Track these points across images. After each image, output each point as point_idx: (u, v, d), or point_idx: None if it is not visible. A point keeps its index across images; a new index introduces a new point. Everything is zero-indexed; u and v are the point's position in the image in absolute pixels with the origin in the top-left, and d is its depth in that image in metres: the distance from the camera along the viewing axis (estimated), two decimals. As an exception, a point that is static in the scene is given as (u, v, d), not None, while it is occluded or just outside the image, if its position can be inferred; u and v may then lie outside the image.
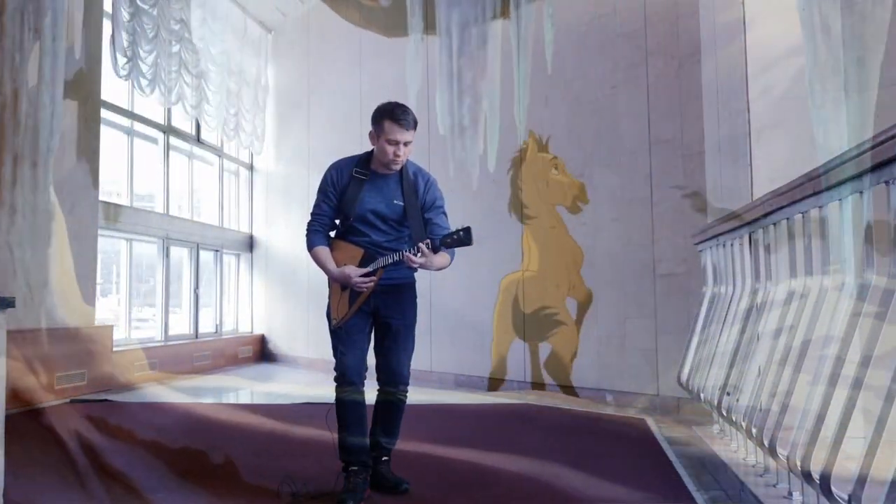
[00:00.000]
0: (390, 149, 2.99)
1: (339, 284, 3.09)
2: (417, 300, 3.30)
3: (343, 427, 3.07)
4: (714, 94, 4.89)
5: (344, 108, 8.85)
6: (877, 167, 1.75)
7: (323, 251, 3.10)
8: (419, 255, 2.87)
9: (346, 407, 3.07)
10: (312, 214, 3.17)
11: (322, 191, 3.16)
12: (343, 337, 3.08)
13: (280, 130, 10.19)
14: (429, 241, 2.91)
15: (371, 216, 3.08)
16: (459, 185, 6.80)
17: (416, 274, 3.29)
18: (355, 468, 3.02)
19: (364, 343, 3.14)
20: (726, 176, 4.61)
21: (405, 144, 3.01)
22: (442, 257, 3.00)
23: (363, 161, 3.15)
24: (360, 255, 3.05)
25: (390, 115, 2.98)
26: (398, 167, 3.08)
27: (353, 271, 2.99)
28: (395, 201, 3.10)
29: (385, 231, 3.11)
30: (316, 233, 3.14)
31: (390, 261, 2.98)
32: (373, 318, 3.15)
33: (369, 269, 3.00)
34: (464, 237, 2.87)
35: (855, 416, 1.84)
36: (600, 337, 5.98)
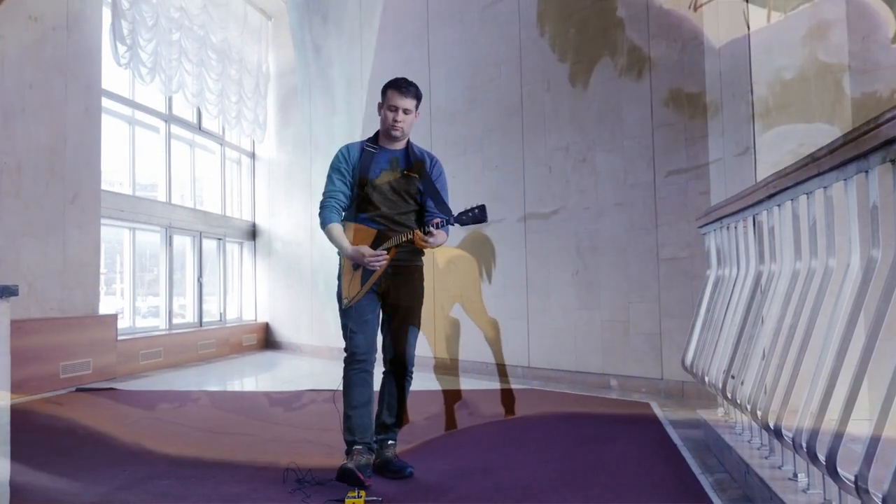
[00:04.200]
0: (390, 114, 3.16)
1: (350, 264, 3.13)
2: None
3: (350, 406, 3.10)
4: (717, 76, 4.85)
5: (345, 94, 8.81)
6: (882, 146, 1.73)
7: (337, 228, 3.15)
8: (433, 234, 2.95)
9: (354, 386, 3.10)
10: (325, 193, 3.21)
11: (334, 168, 3.23)
12: (354, 316, 3.12)
13: (281, 118, 10.16)
14: (439, 220, 2.96)
15: (383, 185, 3.16)
16: None
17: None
18: (359, 447, 3.04)
19: (374, 323, 3.19)
20: (730, 159, 4.58)
21: (404, 111, 3.16)
22: (442, 235, 3.07)
23: (372, 139, 3.29)
24: (374, 236, 3.11)
25: (393, 85, 3.19)
26: (398, 133, 3.19)
27: (367, 249, 3.05)
28: (405, 172, 3.20)
29: (395, 202, 3.17)
30: (330, 209, 3.18)
31: (403, 239, 3.03)
32: (382, 300, 3.19)
33: (383, 247, 3.05)
34: (479, 215, 2.95)
35: (860, 398, 1.84)
36: (604, 322, 5.97)
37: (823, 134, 4.20)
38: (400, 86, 3.16)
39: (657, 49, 5.72)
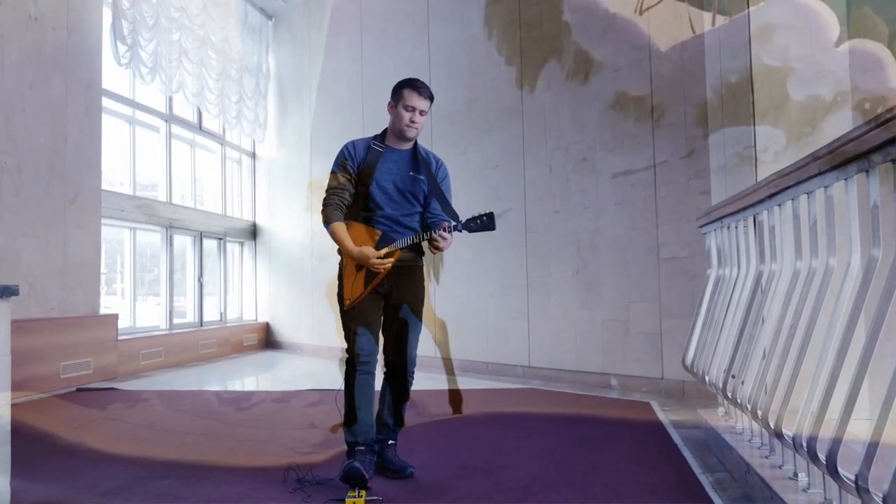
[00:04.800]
0: (407, 114, 3.10)
1: (353, 264, 3.09)
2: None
3: (352, 408, 3.08)
4: (718, 75, 4.85)
5: (345, 94, 8.81)
6: (883, 146, 1.73)
7: (341, 227, 3.09)
8: (441, 239, 2.92)
9: (357, 387, 3.08)
10: (329, 190, 3.15)
11: (339, 165, 3.16)
12: (357, 317, 3.09)
13: (282, 117, 10.16)
14: (447, 225, 2.93)
15: (388, 185, 3.12)
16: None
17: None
18: (362, 448, 3.03)
19: (377, 324, 3.16)
20: (731, 158, 4.58)
21: (420, 113, 3.12)
22: (450, 238, 3.02)
23: (378, 137, 3.24)
24: (378, 237, 3.08)
25: (410, 84, 3.13)
26: (412, 134, 3.15)
27: (372, 251, 3.00)
28: (411, 173, 3.16)
29: (399, 203, 3.14)
30: (334, 207, 3.11)
31: (409, 243, 3.01)
32: (384, 300, 3.17)
33: (388, 249, 3.01)
34: (487, 223, 2.92)
35: (861, 397, 1.83)
36: (604, 321, 5.97)
37: (768, 136, 4.24)
38: (417, 86, 3.11)
39: (603, 51, 5.99)
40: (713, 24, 4.84)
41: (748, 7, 4.30)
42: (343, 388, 3.12)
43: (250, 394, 6.38)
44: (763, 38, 4.26)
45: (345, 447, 3.12)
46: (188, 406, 5.39)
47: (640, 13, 5.47)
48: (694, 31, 5.07)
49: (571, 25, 6.30)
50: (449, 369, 6.43)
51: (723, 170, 4.72)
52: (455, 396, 5.23)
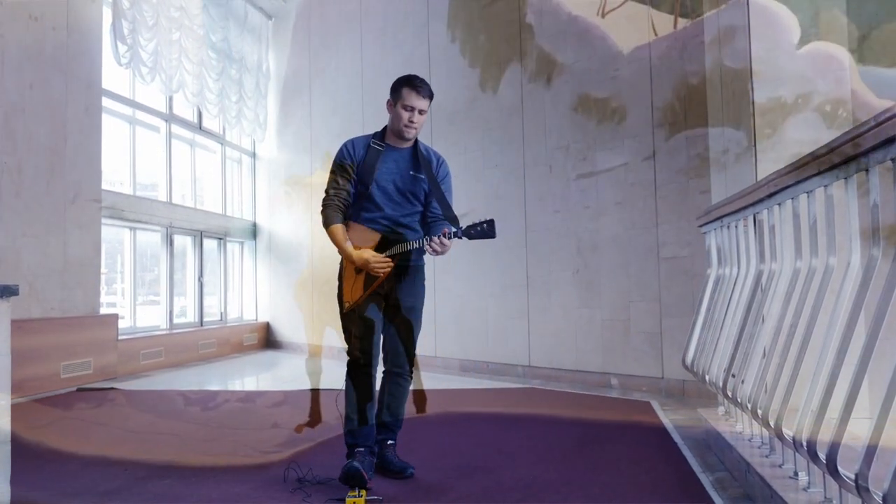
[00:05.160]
0: (406, 114, 3.04)
1: (353, 267, 3.07)
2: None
3: (352, 409, 3.07)
4: (718, 74, 4.85)
5: (345, 94, 8.81)
6: (883, 144, 1.72)
7: (341, 229, 3.07)
8: (441, 245, 2.90)
9: (358, 389, 3.07)
10: (328, 190, 3.12)
11: (338, 165, 3.12)
12: (356, 320, 3.07)
13: (282, 117, 10.16)
14: (448, 231, 2.91)
15: (388, 185, 3.09)
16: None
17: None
18: (361, 449, 3.03)
19: (377, 326, 3.13)
20: (731, 157, 4.58)
21: (420, 112, 3.06)
22: (450, 244, 3.00)
23: (378, 135, 3.19)
24: (377, 240, 3.05)
25: (408, 83, 3.07)
26: (411, 134, 3.10)
27: (371, 255, 2.99)
28: (411, 172, 3.12)
29: (400, 203, 3.11)
30: (334, 209, 3.09)
31: (409, 248, 2.99)
32: (384, 301, 3.14)
33: (388, 253, 3.00)
34: (487, 230, 2.91)
35: (861, 396, 1.83)
36: (604, 321, 5.97)
37: (729, 138, 4.24)
38: (416, 85, 3.04)
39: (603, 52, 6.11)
40: (675, 26, 4.91)
41: (747, 4, 4.29)
42: (343, 388, 3.12)
43: (251, 394, 6.38)
44: (724, 41, 4.26)
45: (344, 447, 3.12)
46: (188, 406, 5.39)
47: (603, 16, 5.55)
48: (656, 34, 5.16)
49: (567, 27, 6.30)
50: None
51: (723, 169, 4.71)
52: (419, 396, 5.16)
